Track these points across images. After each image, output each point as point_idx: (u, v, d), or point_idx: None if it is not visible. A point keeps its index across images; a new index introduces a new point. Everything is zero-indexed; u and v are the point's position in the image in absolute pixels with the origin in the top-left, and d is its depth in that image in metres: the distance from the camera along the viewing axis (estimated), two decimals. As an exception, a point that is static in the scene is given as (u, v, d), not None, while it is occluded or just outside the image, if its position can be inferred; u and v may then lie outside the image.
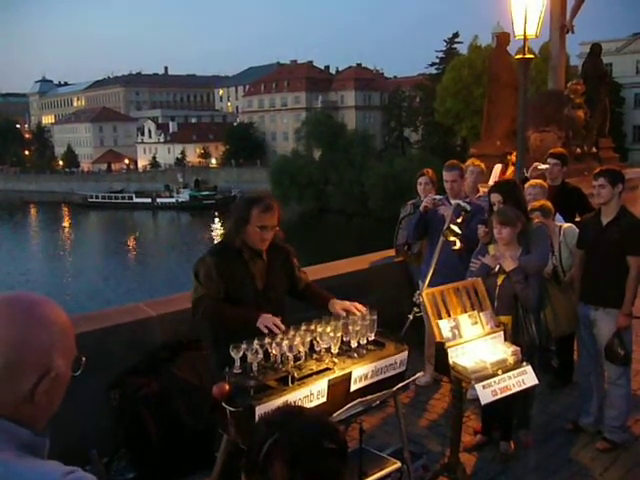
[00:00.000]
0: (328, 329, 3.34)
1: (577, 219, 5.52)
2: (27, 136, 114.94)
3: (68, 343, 1.32)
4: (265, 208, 3.49)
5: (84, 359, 1.38)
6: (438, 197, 5.31)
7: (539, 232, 4.55)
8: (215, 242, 3.78)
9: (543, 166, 6.15)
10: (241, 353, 3.08)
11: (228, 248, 3.60)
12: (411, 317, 4.42)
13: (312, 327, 3.34)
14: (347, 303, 3.62)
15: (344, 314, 3.52)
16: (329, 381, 3.13)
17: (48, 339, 1.26)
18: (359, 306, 3.58)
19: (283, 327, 3.26)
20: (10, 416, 1.22)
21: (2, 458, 1.16)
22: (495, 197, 4.69)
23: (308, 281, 3.90)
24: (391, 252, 6.65)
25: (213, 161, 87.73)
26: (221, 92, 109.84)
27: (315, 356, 3.29)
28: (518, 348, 3.90)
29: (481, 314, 3.95)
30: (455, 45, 68.88)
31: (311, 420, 1.45)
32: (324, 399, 3.12)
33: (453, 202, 5.09)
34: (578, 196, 5.98)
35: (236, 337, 3.15)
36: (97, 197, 77.06)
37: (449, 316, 3.88)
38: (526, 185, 5.47)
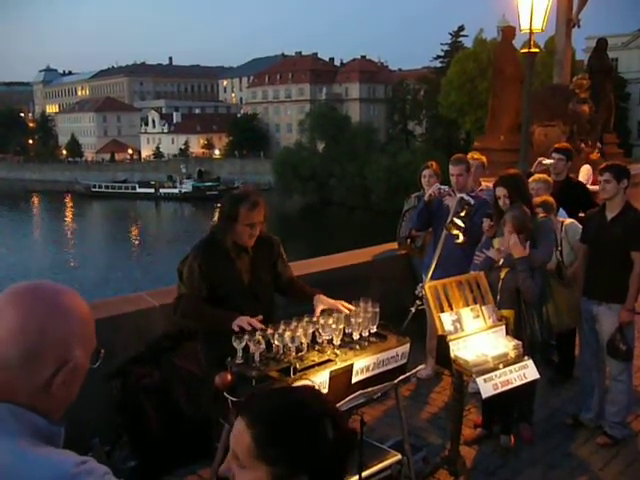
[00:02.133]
0: (330, 321, 3.34)
1: (581, 214, 5.51)
2: (31, 125, 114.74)
3: (88, 334, 1.33)
4: (252, 206, 3.48)
5: (103, 351, 1.39)
6: (444, 187, 5.27)
7: (544, 226, 4.53)
8: (199, 239, 3.78)
9: (548, 161, 6.13)
10: (243, 343, 3.09)
11: (213, 245, 3.59)
12: (413, 310, 4.42)
13: (314, 319, 3.35)
14: (332, 301, 3.57)
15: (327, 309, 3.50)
16: (331, 372, 3.14)
17: (68, 329, 1.27)
18: (346, 304, 3.54)
19: (259, 326, 3.23)
20: (27, 405, 1.22)
21: (17, 447, 1.16)
22: (500, 191, 4.66)
23: (292, 276, 3.87)
24: (394, 245, 6.64)
25: (216, 152, 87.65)
26: (225, 83, 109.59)
27: (317, 347, 3.29)
28: (520, 342, 3.90)
29: (483, 308, 3.95)
30: (460, 38, 68.63)
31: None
32: (325, 390, 3.12)
33: (457, 195, 5.07)
34: (582, 191, 5.96)
35: (225, 334, 3.16)
36: (100, 187, 76.93)
37: (451, 309, 3.88)
38: (530, 180, 5.46)
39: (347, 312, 3.46)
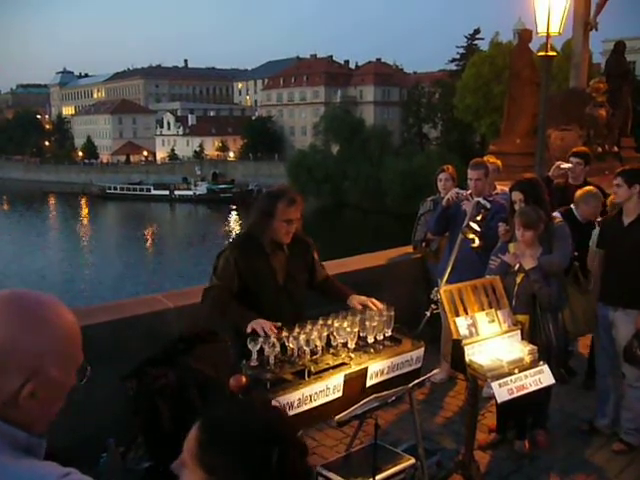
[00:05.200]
0: (345, 324, 3.35)
1: (598, 219, 5.47)
2: (47, 127, 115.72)
3: (67, 349, 1.25)
4: (290, 202, 3.52)
5: (89, 368, 1.33)
6: (462, 191, 5.24)
7: (561, 232, 4.51)
8: (236, 234, 3.80)
9: (566, 165, 6.09)
10: (258, 346, 3.10)
11: (250, 241, 3.61)
12: (428, 314, 4.41)
13: (329, 322, 3.36)
14: (364, 298, 3.65)
15: (360, 307, 3.57)
16: (345, 376, 3.15)
17: (38, 342, 1.20)
18: (376, 302, 3.61)
19: (271, 333, 3.21)
20: (1, 417, 1.19)
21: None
22: (516, 195, 4.65)
23: (327, 275, 3.92)
24: (409, 248, 6.63)
25: (231, 154, 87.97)
26: (240, 85, 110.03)
27: (332, 351, 3.30)
28: (535, 347, 3.88)
29: (498, 312, 3.93)
30: (476, 41, 68.41)
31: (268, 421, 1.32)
32: (340, 394, 3.13)
33: (474, 199, 5.05)
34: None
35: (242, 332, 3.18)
36: (115, 188, 77.40)
37: (466, 314, 3.86)
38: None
39: (375, 309, 3.55)
